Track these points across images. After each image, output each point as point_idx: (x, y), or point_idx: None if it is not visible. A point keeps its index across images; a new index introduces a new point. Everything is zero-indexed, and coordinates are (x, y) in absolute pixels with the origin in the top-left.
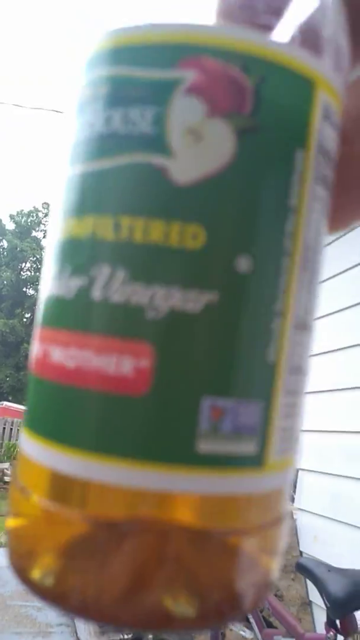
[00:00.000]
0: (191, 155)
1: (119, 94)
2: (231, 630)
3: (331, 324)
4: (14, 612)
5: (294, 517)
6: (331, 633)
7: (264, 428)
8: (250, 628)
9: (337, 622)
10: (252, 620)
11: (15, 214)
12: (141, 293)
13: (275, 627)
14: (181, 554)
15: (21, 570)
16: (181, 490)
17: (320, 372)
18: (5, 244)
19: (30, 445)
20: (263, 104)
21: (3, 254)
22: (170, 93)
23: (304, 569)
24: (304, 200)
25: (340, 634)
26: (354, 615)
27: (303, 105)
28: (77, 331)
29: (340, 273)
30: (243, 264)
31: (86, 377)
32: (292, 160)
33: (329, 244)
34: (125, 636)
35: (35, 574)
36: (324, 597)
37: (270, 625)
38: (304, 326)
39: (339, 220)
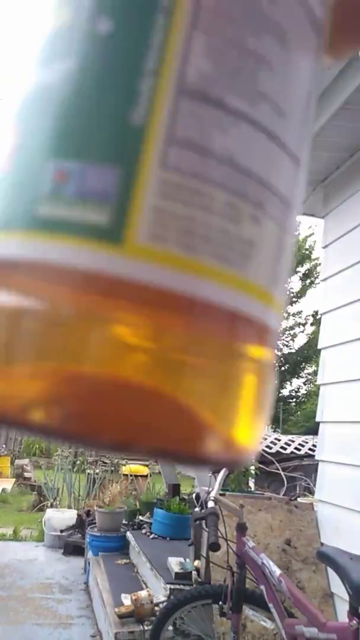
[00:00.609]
0: None
1: None
2: (252, 621)
3: (351, 314)
4: (34, 604)
5: (315, 508)
6: (354, 621)
7: (122, 199)
8: (272, 618)
9: None
10: (273, 610)
11: None
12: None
13: (297, 617)
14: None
15: None
16: (24, 257)
17: (342, 362)
18: None
19: None
20: None
21: None
22: None
23: (325, 557)
24: None
25: None
26: None
27: None
28: None
29: None
30: (102, 25)
31: None
32: None
33: None
34: (146, 628)
35: None
36: (346, 586)
37: (291, 615)
38: (204, 97)
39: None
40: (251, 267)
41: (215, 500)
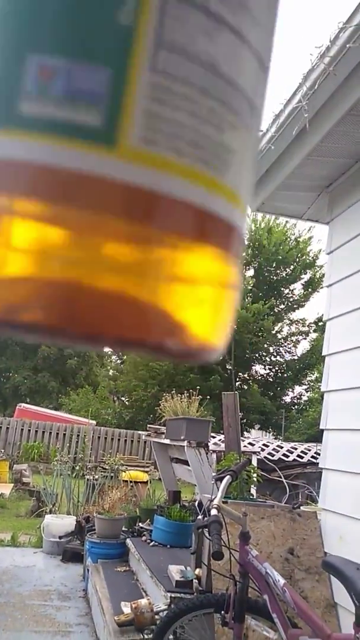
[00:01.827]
0: None
1: None
2: (254, 631)
3: (356, 320)
4: (32, 611)
5: (318, 517)
6: None
7: (113, 100)
8: (275, 629)
9: None
10: (277, 620)
11: None
12: None
13: (300, 628)
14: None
15: None
16: (6, 156)
17: (347, 369)
18: None
19: None
20: None
21: None
22: None
23: (331, 567)
24: None
25: None
26: None
27: None
28: None
29: None
30: None
31: None
32: None
33: None
34: (146, 636)
35: None
36: (353, 596)
37: (295, 626)
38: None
39: None
40: (230, 173)
41: (218, 508)
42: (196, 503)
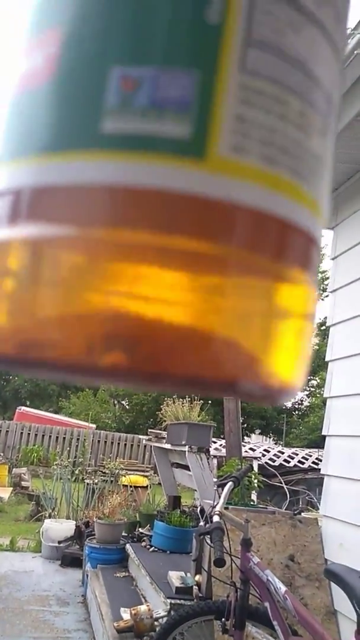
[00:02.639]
0: None
1: None
2: (254, 638)
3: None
4: (31, 617)
5: (319, 524)
6: None
7: (202, 105)
8: (276, 636)
9: None
10: (277, 628)
11: None
12: None
13: (301, 636)
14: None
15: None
16: (90, 180)
17: (350, 375)
18: None
19: None
20: None
21: None
22: None
23: (333, 575)
24: None
25: None
26: None
27: None
28: None
29: None
30: None
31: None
32: None
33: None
34: None
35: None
36: (355, 605)
37: (295, 633)
38: None
39: None
40: (314, 181)
41: (221, 515)
42: (198, 509)
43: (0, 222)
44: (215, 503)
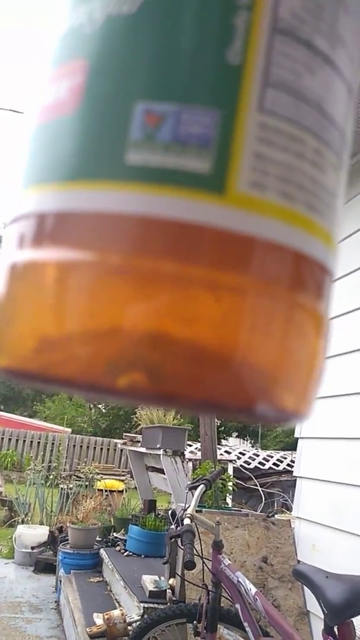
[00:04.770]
0: None
1: None
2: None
3: (351, 323)
4: (2, 624)
5: (292, 525)
6: None
7: (222, 143)
8: (247, 638)
9: (335, 629)
10: (248, 629)
11: None
12: (81, 11)
13: (272, 636)
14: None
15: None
16: (114, 209)
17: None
18: None
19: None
20: None
21: None
22: None
23: (301, 575)
24: None
25: None
26: (352, 622)
27: None
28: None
29: (352, 272)
30: None
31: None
32: None
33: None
34: None
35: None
36: (322, 604)
37: (267, 634)
38: (296, 36)
39: None
40: (329, 215)
41: (192, 517)
42: (169, 512)
43: (25, 243)
44: (186, 506)
